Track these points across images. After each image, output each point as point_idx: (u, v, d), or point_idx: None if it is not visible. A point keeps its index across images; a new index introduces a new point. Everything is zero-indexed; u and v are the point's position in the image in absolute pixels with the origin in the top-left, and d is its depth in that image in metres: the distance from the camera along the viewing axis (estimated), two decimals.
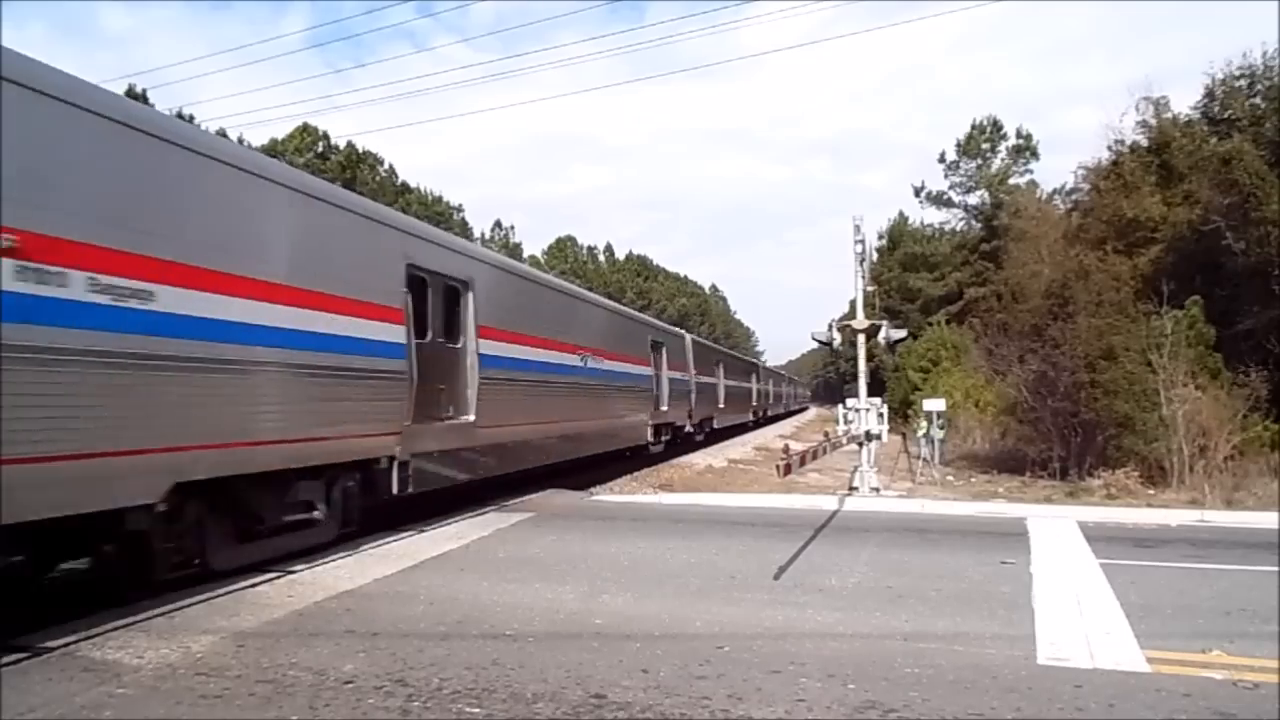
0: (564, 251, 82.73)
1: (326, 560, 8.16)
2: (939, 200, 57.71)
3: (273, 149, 50.91)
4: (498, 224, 77.93)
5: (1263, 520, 11.47)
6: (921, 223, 64.36)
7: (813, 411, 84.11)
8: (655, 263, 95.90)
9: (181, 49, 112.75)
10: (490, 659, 5.23)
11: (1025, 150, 54.19)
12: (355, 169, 57.16)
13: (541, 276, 18.82)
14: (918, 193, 58.08)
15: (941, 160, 56.06)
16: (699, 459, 24.00)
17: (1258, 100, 27.61)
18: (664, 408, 22.83)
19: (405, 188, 62.59)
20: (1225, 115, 28.32)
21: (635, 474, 19.53)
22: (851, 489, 16.46)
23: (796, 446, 29.11)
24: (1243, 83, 28.18)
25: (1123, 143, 33.08)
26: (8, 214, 5.28)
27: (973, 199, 56.18)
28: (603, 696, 4.60)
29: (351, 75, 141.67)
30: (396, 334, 9.49)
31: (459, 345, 11.29)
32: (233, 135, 42.98)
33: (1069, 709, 4.48)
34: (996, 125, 54.88)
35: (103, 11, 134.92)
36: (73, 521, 5.71)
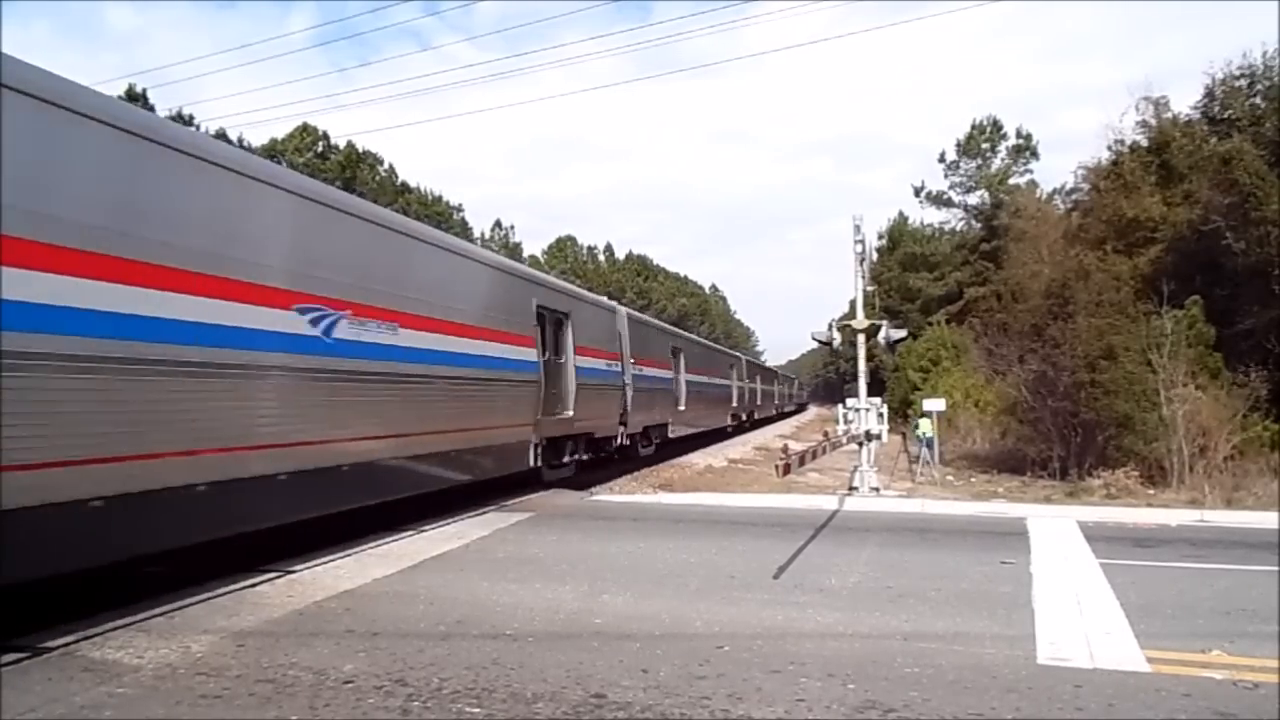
0: (564, 251, 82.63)
1: (326, 560, 8.16)
2: (939, 200, 57.62)
3: (272, 149, 50.90)
4: (498, 224, 77.93)
5: (1263, 520, 11.49)
6: (921, 223, 64.29)
7: (813, 411, 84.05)
8: (655, 263, 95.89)
9: (187, 48, 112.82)
10: (490, 659, 5.23)
11: (1025, 150, 54.10)
12: (355, 169, 57.11)
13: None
14: (918, 193, 58.02)
15: (941, 160, 56.03)
16: (699, 459, 24.00)
17: (1258, 100, 27.57)
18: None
19: (405, 188, 62.51)
20: (1225, 115, 28.28)
21: (635, 474, 19.52)
22: (851, 489, 16.45)
23: (796, 446, 29.10)
24: (1243, 83, 28.14)
25: (1123, 143, 33.10)
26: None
27: (973, 199, 56.08)
28: (603, 696, 4.60)
29: (355, 74, 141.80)
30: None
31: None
32: (234, 135, 43.00)
33: (1069, 709, 4.48)
34: (996, 125, 54.82)
35: (108, 11, 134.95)
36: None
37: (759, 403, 46.04)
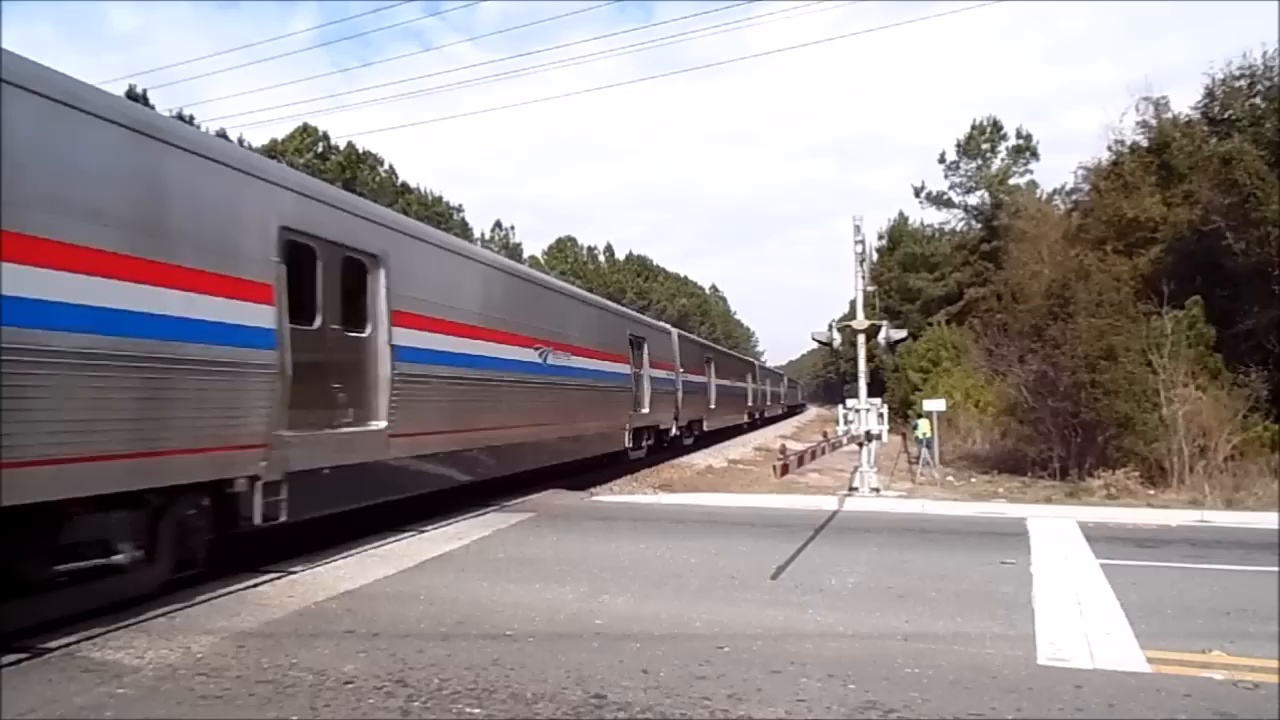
0: (564, 252, 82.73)
1: (327, 561, 8.16)
2: (939, 200, 57.63)
3: (272, 149, 50.91)
4: (498, 224, 78.08)
5: (1263, 520, 11.48)
6: (921, 223, 64.33)
7: (813, 412, 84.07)
8: (655, 263, 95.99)
9: (189, 48, 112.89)
10: (490, 659, 5.23)
11: (1025, 150, 54.14)
12: (355, 169, 57.15)
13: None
14: (918, 193, 58.04)
15: (941, 160, 56.07)
16: (699, 459, 23.99)
17: (1258, 100, 27.56)
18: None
19: (405, 188, 62.58)
20: (1225, 115, 28.28)
21: (635, 474, 19.52)
22: (851, 489, 16.45)
23: (796, 446, 29.11)
24: (1243, 83, 28.13)
25: (1123, 143, 33.10)
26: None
27: (973, 199, 56.10)
28: (603, 697, 4.60)
29: (358, 74, 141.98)
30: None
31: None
32: (234, 135, 42.99)
33: (1069, 709, 4.48)
34: (996, 125, 54.87)
35: (111, 11, 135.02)
36: None
37: (713, 406, 30.29)
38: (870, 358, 20.23)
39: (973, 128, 55.09)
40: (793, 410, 74.32)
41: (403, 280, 9.77)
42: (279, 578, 7.43)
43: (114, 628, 5.77)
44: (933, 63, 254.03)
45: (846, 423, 17.20)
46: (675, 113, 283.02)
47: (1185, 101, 37.20)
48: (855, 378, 17.86)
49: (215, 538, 7.18)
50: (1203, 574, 8.07)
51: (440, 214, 61.54)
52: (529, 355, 13.72)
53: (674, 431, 23.90)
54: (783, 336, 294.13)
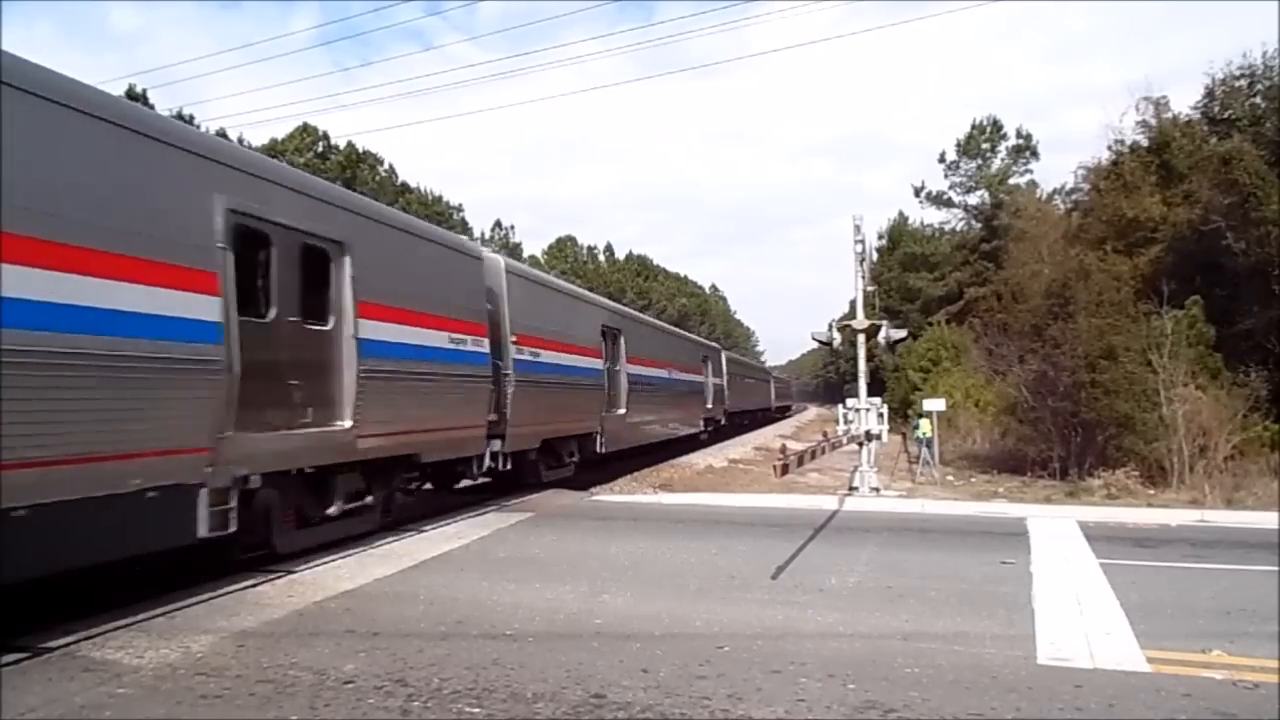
0: (564, 251, 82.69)
1: (326, 560, 8.16)
2: (939, 200, 57.62)
3: (272, 149, 50.87)
4: (498, 224, 77.98)
5: (1263, 520, 11.49)
6: (921, 223, 64.31)
7: (812, 411, 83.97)
8: (655, 263, 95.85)
9: (190, 48, 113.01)
10: (490, 659, 5.23)
11: (1025, 150, 54.14)
12: (355, 169, 57.10)
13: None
14: (918, 193, 58.03)
15: (941, 160, 56.05)
16: (699, 459, 23.99)
17: (1258, 100, 27.55)
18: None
19: (405, 188, 62.54)
20: (1225, 115, 28.27)
21: (635, 474, 19.51)
22: (851, 489, 16.45)
23: (795, 446, 29.10)
24: (1243, 83, 28.12)
25: (1123, 143, 33.07)
26: None
27: (973, 199, 56.08)
28: (603, 696, 4.60)
29: (358, 74, 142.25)
30: None
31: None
32: (234, 134, 42.97)
33: (1069, 709, 4.48)
34: (996, 125, 54.85)
35: (111, 11, 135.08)
36: None
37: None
38: (870, 357, 20.22)
39: (973, 127, 55.14)
40: (745, 417, 42.11)
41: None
42: (279, 577, 7.42)
43: (114, 627, 5.77)
44: (932, 62, 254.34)
45: (846, 422, 17.20)
46: (675, 112, 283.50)
47: (1185, 101, 37.21)
48: (855, 377, 17.86)
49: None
50: (1203, 574, 8.07)
51: (440, 213, 61.47)
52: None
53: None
54: (783, 336, 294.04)
